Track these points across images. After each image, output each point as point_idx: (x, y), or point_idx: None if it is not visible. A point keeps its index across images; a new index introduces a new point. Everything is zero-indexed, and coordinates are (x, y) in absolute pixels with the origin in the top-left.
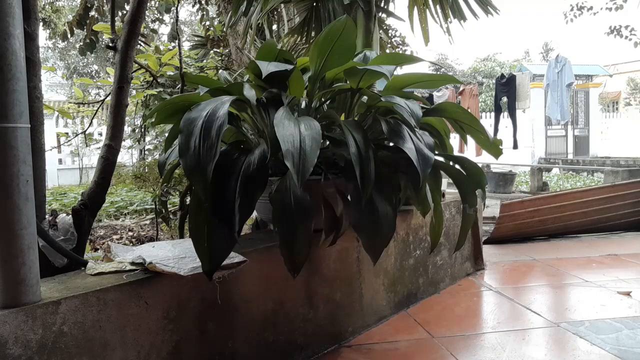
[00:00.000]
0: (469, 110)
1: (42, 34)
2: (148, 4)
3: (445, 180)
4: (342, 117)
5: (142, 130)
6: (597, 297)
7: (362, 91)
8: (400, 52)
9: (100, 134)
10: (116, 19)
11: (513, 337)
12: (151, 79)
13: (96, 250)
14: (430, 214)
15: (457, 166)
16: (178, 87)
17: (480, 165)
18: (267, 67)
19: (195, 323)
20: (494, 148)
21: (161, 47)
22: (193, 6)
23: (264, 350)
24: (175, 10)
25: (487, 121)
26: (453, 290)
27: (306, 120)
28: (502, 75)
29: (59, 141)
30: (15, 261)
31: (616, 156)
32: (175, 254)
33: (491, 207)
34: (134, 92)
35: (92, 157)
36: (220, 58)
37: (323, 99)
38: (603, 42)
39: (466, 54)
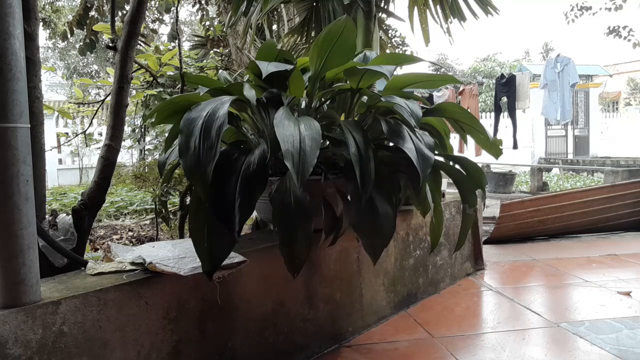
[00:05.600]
0: (469, 110)
1: (42, 34)
2: (148, 4)
3: (445, 180)
4: (342, 117)
5: (142, 130)
6: (597, 297)
7: (362, 91)
8: (400, 52)
9: (100, 134)
10: (116, 19)
11: (513, 337)
12: (151, 79)
13: (96, 250)
14: (430, 214)
15: (457, 166)
16: (178, 87)
17: (480, 165)
18: (267, 67)
19: (195, 323)
20: (494, 148)
21: (161, 47)
22: (193, 6)
23: (264, 350)
24: (175, 10)
25: (487, 121)
26: (453, 290)
27: (306, 121)
28: (502, 75)
29: (59, 141)
30: (15, 261)
31: (616, 156)
32: (175, 254)
33: (491, 207)
34: (134, 92)
35: (92, 157)
36: (220, 58)
37: (323, 99)
38: (603, 42)
39: (466, 54)
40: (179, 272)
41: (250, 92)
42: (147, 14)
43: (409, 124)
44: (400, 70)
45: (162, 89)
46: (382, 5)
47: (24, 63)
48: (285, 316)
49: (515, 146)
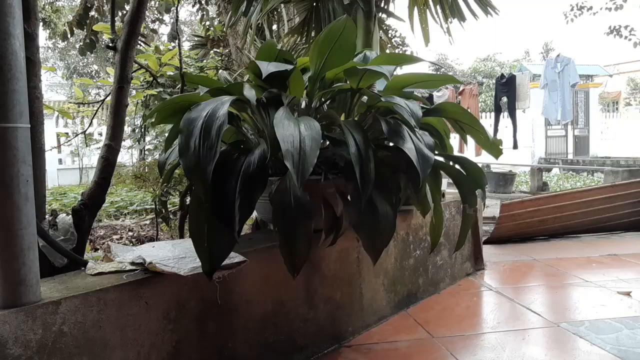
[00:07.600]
0: (469, 110)
1: (42, 34)
2: (148, 4)
3: (445, 180)
4: (342, 117)
5: (142, 130)
6: (597, 297)
7: (362, 91)
8: (400, 52)
9: (100, 134)
10: (116, 19)
11: (513, 337)
12: (151, 79)
13: (96, 250)
14: (430, 214)
15: (457, 166)
16: (178, 87)
17: (480, 165)
18: (267, 67)
19: (195, 323)
20: (494, 148)
21: (161, 47)
22: (193, 6)
23: (263, 351)
24: (175, 10)
25: (487, 121)
26: (453, 290)
27: (306, 121)
28: (502, 75)
29: (59, 141)
30: (15, 261)
31: (616, 156)
32: (175, 254)
33: (491, 207)
34: (134, 92)
35: (92, 157)
36: (220, 58)
37: (323, 99)
38: (603, 42)
39: (466, 54)
40: (179, 272)
41: (250, 92)
42: (147, 14)
43: (409, 124)
44: (400, 70)
45: (162, 89)
46: (382, 5)
47: (24, 63)
48: (285, 316)
49: (515, 146)
